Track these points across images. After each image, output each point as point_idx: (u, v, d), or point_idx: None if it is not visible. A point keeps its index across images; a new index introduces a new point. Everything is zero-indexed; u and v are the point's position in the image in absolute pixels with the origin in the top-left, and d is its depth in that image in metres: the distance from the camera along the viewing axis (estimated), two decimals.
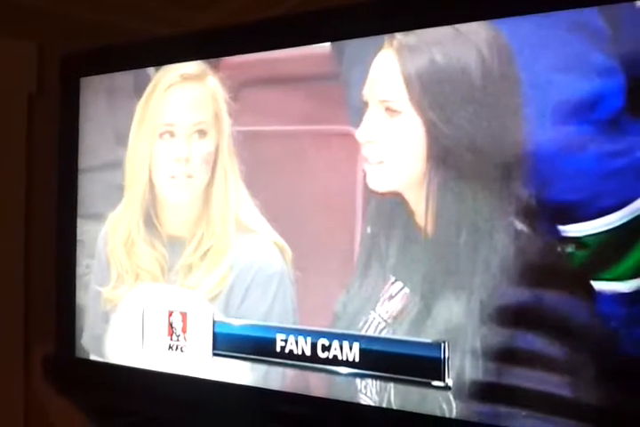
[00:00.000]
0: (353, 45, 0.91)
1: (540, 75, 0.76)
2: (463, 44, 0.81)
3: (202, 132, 1.05)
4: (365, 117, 0.89)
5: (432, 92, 0.83)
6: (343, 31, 0.92)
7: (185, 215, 1.06)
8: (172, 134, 1.06)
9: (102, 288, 1.14)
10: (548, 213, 0.76)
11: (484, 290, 0.79)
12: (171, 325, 1.06)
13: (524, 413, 0.76)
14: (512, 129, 0.78)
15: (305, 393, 0.94)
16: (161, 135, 1.07)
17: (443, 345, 0.82)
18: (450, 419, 0.82)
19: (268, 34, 0.99)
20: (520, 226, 0.77)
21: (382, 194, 0.88)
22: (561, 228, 0.75)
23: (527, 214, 0.77)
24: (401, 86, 0.85)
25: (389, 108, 0.86)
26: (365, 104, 0.89)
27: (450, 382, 0.82)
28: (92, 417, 1.14)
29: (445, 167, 0.82)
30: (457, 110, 0.81)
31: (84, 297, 1.17)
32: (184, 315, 1.05)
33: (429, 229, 0.84)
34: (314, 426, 0.93)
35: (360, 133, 0.89)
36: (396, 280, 0.87)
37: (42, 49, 1.29)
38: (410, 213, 0.86)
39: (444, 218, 0.82)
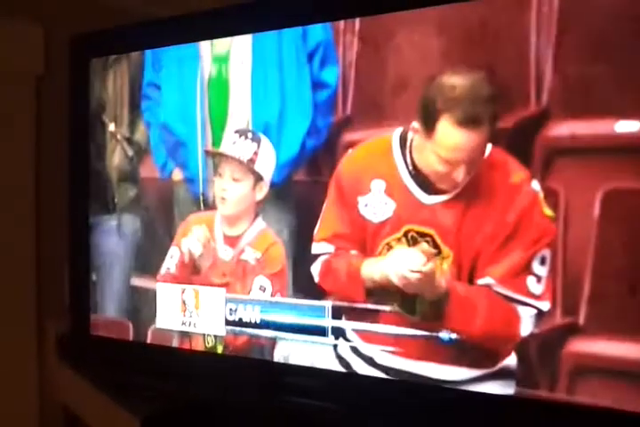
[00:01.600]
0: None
1: None
2: None
3: None
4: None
5: None
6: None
7: None
8: None
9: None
10: None
11: None
12: (184, 302, 1.08)
13: None
14: None
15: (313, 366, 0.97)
16: None
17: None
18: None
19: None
20: None
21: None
22: None
23: None
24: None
25: None
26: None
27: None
28: (107, 393, 1.16)
29: None
30: None
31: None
32: (197, 292, 1.07)
33: None
34: (319, 397, 0.96)
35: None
36: None
37: (49, 31, 1.30)
38: None
39: None
